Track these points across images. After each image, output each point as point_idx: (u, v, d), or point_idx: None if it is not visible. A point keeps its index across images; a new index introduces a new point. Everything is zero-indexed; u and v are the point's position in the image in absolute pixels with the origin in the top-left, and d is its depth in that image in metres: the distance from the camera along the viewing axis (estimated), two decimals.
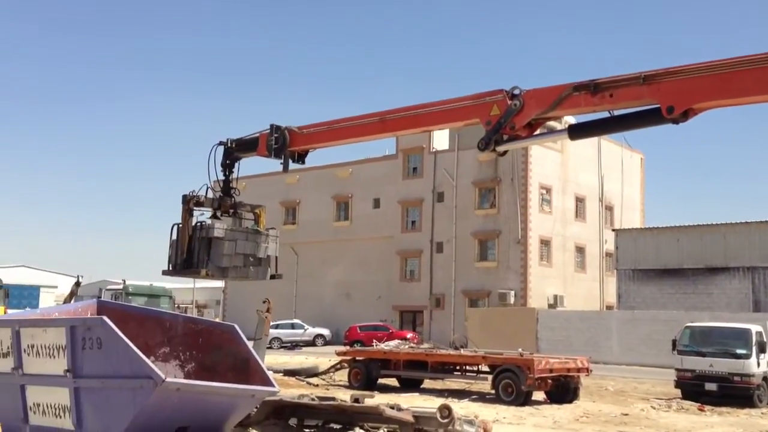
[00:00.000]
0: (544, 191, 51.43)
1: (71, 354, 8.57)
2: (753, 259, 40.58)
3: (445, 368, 22.75)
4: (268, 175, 51.73)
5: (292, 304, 57.55)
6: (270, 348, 38.20)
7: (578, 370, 20.57)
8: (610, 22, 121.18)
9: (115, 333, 8.25)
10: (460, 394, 21.33)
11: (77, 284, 30.13)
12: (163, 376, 7.95)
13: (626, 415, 18.22)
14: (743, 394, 20.39)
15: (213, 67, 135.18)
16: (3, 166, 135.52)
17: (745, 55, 7.32)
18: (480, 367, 21.85)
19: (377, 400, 12.59)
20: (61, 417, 8.79)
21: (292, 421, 11.53)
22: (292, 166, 11.30)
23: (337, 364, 25.30)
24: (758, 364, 20.58)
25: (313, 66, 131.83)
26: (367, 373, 22.70)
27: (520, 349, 22.22)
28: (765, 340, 21.12)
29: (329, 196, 58.87)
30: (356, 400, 11.64)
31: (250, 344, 10.09)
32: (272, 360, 28.43)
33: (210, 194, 11.52)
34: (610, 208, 56.79)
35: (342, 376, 24.40)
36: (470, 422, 11.52)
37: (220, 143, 11.69)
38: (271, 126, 11.18)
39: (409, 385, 22.91)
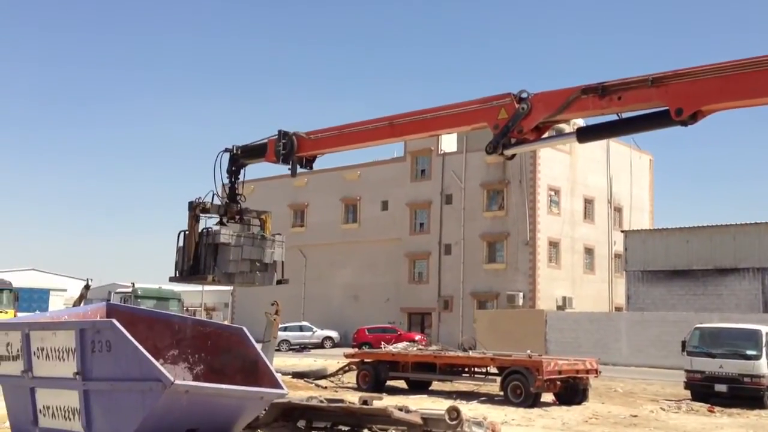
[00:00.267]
0: (553, 193, 51.36)
1: (81, 357, 8.60)
2: (763, 259, 40.44)
3: (454, 370, 22.72)
4: (277, 178, 51.93)
5: (301, 306, 57.61)
6: (278, 350, 38.23)
7: (587, 371, 20.53)
8: (618, 24, 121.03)
9: (125, 336, 8.28)
10: (468, 396, 21.31)
11: (86, 287, 30.24)
12: (172, 379, 7.97)
13: (635, 416, 18.17)
14: (753, 395, 20.31)
15: (221, 68, 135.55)
16: (12, 169, 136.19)
17: (754, 57, 7.27)
18: (488, 368, 21.82)
19: (386, 402, 12.62)
20: (70, 420, 8.83)
21: (301, 423, 11.57)
22: (299, 171, 11.31)
23: (345, 366, 25.30)
24: None
25: (315, 66, 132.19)
26: (375, 376, 22.70)
27: (528, 351, 22.21)
28: None
29: (337, 199, 58.93)
30: (365, 402, 11.67)
31: (258, 347, 10.11)
32: (281, 362, 28.44)
33: (216, 201, 11.56)
34: (618, 210, 56.68)
35: (350, 378, 24.40)
36: (479, 424, 11.53)
37: (226, 150, 11.71)
38: (279, 132, 11.17)
39: (418, 387, 22.89)
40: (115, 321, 8.59)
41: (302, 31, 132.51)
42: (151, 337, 9.92)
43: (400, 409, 11.29)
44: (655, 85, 7.84)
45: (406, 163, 55.59)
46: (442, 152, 53.60)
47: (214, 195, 11.48)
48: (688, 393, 21.75)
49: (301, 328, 51.08)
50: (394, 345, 29.50)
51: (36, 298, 62.20)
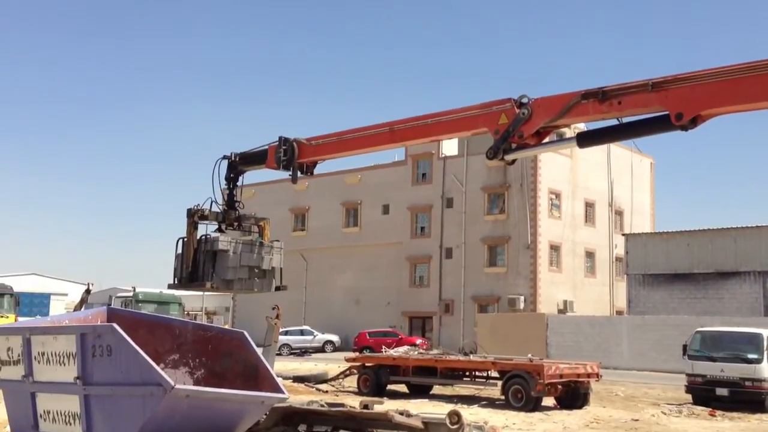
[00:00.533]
0: (554, 196, 51.38)
1: (81, 361, 8.60)
2: (764, 263, 40.42)
3: (455, 374, 22.72)
4: (278, 182, 51.96)
5: (302, 310, 57.62)
6: (279, 354, 38.24)
7: (588, 375, 20.52)
8: (619, 28, 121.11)
9: (125, 340, 8.28)
10: (469, 400, 21.31)
11: (87, 292, 30.20)
12: (172, 383, 7.97)
13: (636, 420, 18.18)
14: (755, 399, 20.30)
15: (223, 72, 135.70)
16: (13, 173, 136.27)
17: (754, 61, 7.28)
18: (489, 372, 21.82)
19: (386, 406, 12.61)
20: (71, 424, 8.82)
21: (302, 428, 11.54)
22: (299, 176, 11.31)
23: (346, 370, 25.30)
24: None
25: (316, 69, 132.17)
26: (376, 380, 22.71)
27: (529, 355, 22.21)
28: None
29: (338, 203, 58.96)
30: (365, 407, 11.66)
31: (259, 351, 10.11)
32: (282, 366, 28.46)
33: (215, 207, 11.60)
34: (619, 213, 56.68)
35: (351, 382, 24.40)
36: (480, 428, 11.50)
37: (224, 157, 11.73)
38: (280, 138, 11.16)
39: (419, 392, 22.89)
40: (115, 325, 8.59)
41: (306, 33, 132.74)
42: (152, 342, 9.91)
43: (401, 414, 11.26)
44: (655, 89, 7.84)
45: (407, 166, 55.63)
46: (443, 156, 53.63)
47: (212, 202, 11.53)
48: (689, 397, 21.74)
49: (302, 332, 51.10)
50: (395, 349, 29.46)
51: (37, 303, 62.28)
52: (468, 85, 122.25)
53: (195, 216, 11.40)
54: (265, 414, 10.42)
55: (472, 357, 23.85)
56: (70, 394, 8.75)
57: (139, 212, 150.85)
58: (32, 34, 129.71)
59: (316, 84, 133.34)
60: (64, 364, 8.80)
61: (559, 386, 19.73)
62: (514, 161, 9.52)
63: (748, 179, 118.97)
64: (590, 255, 53.97)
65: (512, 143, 8.99)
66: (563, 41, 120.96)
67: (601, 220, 54.94)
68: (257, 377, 9.58)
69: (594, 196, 54.50)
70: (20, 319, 31.94)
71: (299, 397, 16.23)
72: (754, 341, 20.98)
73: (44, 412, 9.13)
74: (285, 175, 11.43)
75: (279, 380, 9.68)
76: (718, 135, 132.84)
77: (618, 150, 54.80)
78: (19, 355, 9.31)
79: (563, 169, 51.95)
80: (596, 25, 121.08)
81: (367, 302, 55.76)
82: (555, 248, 51.01)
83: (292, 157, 11.04)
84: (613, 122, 8.48)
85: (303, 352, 48.66)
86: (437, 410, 15.12)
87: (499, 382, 20.69)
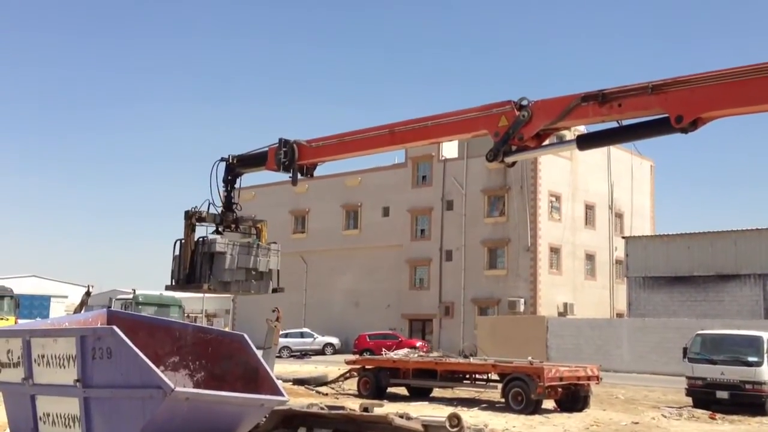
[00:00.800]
0: (554, 199, 51.39)
1: (81, 364, 8.59)
2: (764, 266, 40.42)
3: (455, 377, 22.71)
4: (277, 185, 51.93)
5: (302, 312, 57.61)
6: (279, 357, 38.23)
7: (588, 378, 20.50)
8: (619, 31, 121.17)
9: (125, 343, 8.27)
10: (469, 402, 21.29)
11: (87, 294, 30.19)
12: (172, 386, 7.96)
13: (637, 423, 18.15)
14: (755, 402, 20.28)
15: (223, 73, 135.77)
16: (12, 174, 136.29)
17: (754, 64, 7.28)
18: (490, 375, 21.81)
19: (386, 409, 12.61)
20: (71, 427, 8.81)
21: (302, 431, 11.54)
22: (300, 178, 11.31)
23: (346, 372, 25.29)
24: None
25: (316, 70, 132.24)
26: (376, 382, 22.68)
27: (529, 358, 22.20)
28: None
29: (338, 205, 58.97)
30: (365, 410, 11.67)
31: (259, 353, 10.11)
32: (281, 369, 28.44)
33: (212, 210, 11.62)
34: (619, 216, 56.68)
35: (351, 385, 24.38)
36: (480, 431, 11.52)
37: (222, 159, 11.74)
38: (280, 140, 11.16)
39: (419, 394, 22.87)
40: (115, 328, 8.58)
41: (307, 34, 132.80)
42: (152, 344, 9.91)
43: (401, 416, 11.27)
44: (655, 92, 7.84)
45: (407, 169, 55.66)
46: (443, 158, 53.66)
47: (210, 204, 11.55)
48: (689, 400, 21.71)
49: (302, 335, 51.09)
50: (395, 351, 29.48)
51: (37, 305, 62.24)
52: (468, 87, 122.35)
53: (192, 218, 11.44)
54: (265, 417, 10.43)
55: (472, 360, 23.83)
56: (70, 397, 8.75)
57: (140, 213, 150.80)
58: (32, 34, 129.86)
59: (316, 85, 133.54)
60: (64, 367, 8.80)
61: (560, 389, 19.72)
62: (514, 163, 9.53)
63: (748, 182, 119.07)
64: (590, 257, 53.97)
65: (512, 145, 8.99)
66: (563, 43, 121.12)
67: (601, 223, 54.94)
68: (257, 380, 9.58)
69: (594, 199, 54.50)
70: (20, 321, 31.92)
71: (299, 400, 16.20)
72: (755, 344, 20.95)
73: (44, 414, 9.12)
74: (285, 177, 11.44)
75: (279, 383, 9.67)
76: (718, 137, 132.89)
77: (618, 152, 54.80)
78: (19, 358, 9.31)
79: (563, 172, 51.95)
80: (597, 28, 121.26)
81: (367, 305, 55.75)
82: (555, 251, 51.01)
83: (292, 158, 11.05)
84: (614, 125, 8.48)
85: (303, 354, 48.64)
86: (437, 413, 15.12)
87: (500, 385, 20.66)
